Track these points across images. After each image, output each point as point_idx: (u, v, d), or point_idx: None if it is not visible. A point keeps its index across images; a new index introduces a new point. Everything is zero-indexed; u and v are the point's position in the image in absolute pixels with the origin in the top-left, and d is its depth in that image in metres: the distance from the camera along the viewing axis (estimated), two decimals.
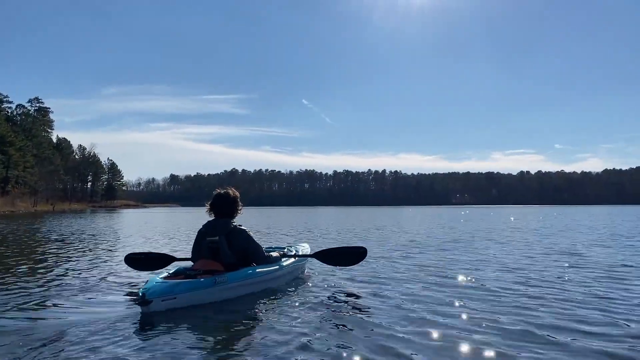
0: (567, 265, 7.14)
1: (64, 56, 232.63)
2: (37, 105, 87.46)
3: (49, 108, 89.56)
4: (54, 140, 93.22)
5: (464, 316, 3.99)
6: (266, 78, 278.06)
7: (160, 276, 4.50)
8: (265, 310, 4.29)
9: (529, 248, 9.74)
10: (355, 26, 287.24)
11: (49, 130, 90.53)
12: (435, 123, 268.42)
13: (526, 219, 27.40)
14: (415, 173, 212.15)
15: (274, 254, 5.56)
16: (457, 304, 4.46)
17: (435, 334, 3.47)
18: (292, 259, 5.77)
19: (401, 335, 3.46)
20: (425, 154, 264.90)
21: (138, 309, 4.05)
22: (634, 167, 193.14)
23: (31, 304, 4.58)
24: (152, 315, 3.93)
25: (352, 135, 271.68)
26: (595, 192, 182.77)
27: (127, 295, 4.94)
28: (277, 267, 5.30)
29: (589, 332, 3.56)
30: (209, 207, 5.13)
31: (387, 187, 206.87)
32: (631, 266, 6.97)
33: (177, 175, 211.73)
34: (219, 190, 5.19)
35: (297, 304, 4.49)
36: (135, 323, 3.80)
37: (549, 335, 3.44)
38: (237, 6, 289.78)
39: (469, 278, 5.91)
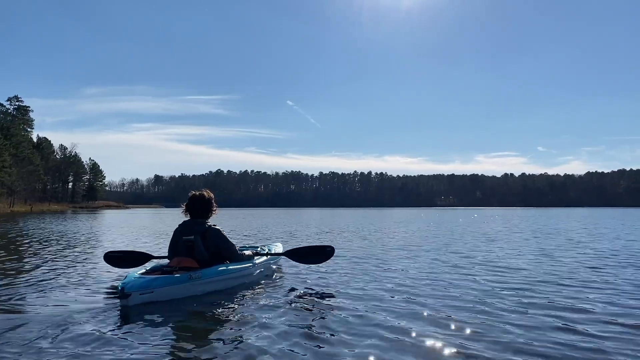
0: (473, 282, 5.73)
1: (45, 56, 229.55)
2: (17, 104, 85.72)
3: (29, 107, 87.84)
4: (34, 139, 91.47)
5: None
6: (251, 79, 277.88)
7: (138, 272, 4.74)
8: (237, 305, 4.52)
9: (462, 258, 8.32)
10: (341, 28, 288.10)
11: (29, 129, 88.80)
12: (420, 125, 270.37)
13: (496, 222, 26.78)
14: (401, 175, 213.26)
15: (247, 252, 5.84)
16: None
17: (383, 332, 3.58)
18: (264, 257, 6.12)
19: (362, 329, 3.66)
20: (410, 156, 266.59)
21: (118, 302, 4.29)
22: (615, 170, 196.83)
23: (12, 300, 4.66)
24: (130, 308, 4.17)
25: (337, 137, 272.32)
26: (578, 194, 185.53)
27: (107, 290, 5.16)
28: (250, 264, 5.60)
29: None
30: (184, 208, 5.36)
31: (372, 188, 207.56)
32: (555, 283, 5.60)
33: (162, 176, 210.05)
34: (194, 192, 5.45)
35: (267, 300, 4.69)
36: (114, 315, 4.05)
37: None
38: (222, 7, 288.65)
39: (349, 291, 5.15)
